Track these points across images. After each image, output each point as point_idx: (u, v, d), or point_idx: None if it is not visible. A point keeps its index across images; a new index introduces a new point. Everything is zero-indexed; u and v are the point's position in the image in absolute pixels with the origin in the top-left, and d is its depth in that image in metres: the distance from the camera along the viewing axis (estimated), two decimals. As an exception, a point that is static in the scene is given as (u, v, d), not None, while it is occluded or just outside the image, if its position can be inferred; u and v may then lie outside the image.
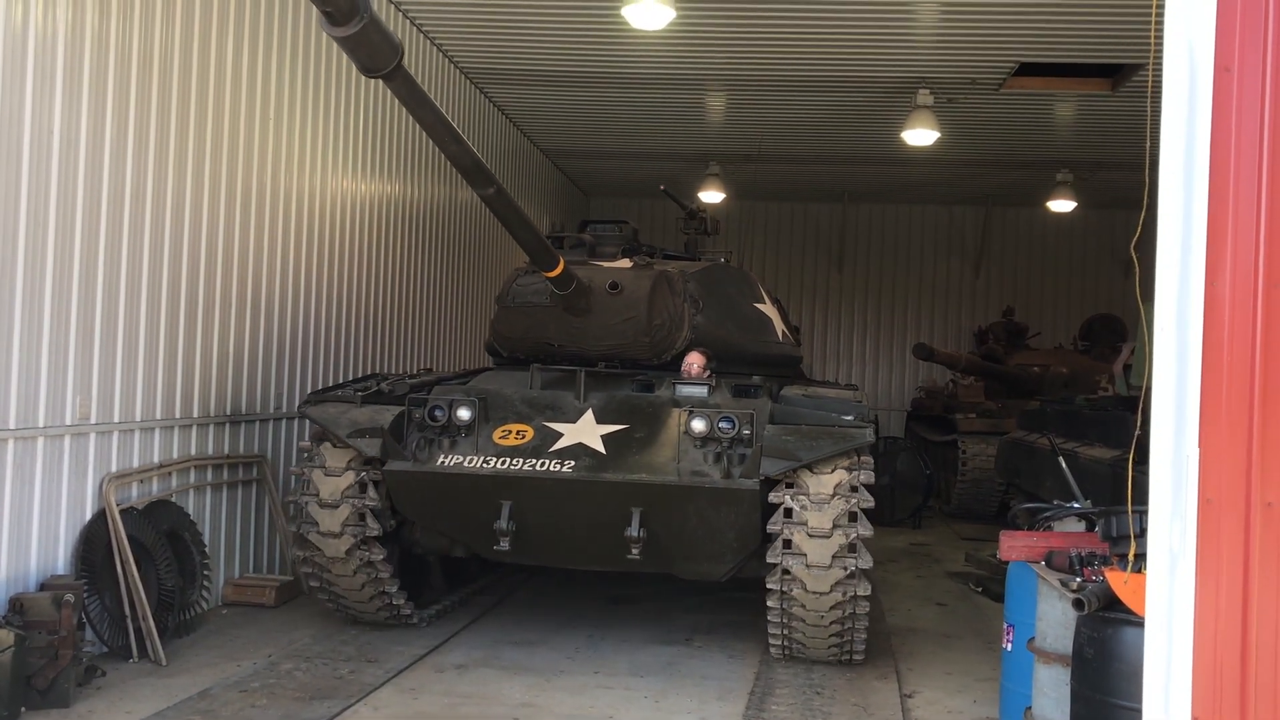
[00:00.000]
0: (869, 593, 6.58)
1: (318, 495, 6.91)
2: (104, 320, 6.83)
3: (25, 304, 6.15)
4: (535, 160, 16.59)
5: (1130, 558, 4.21)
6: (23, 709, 5.59)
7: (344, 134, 9.97)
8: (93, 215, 6.68)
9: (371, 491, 6.93)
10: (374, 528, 6.92)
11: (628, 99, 13.74)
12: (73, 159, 6.49)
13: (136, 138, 7.05)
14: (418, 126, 5.87)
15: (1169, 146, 3.42)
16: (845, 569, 6.43)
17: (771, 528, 6.52)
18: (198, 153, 7.73)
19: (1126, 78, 11.92)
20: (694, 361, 7.59)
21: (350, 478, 6.92)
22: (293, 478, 7.19)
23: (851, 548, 6.47)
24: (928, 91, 12.26)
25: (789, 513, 6.49)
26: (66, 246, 6.47)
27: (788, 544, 6.48)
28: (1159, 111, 3.47)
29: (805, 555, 6.42)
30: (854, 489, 6.53)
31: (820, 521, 6.42)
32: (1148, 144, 3.80)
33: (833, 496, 6.46)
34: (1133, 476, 4.08)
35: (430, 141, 6.02)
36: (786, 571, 6.48)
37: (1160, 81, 3.45)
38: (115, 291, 6.93)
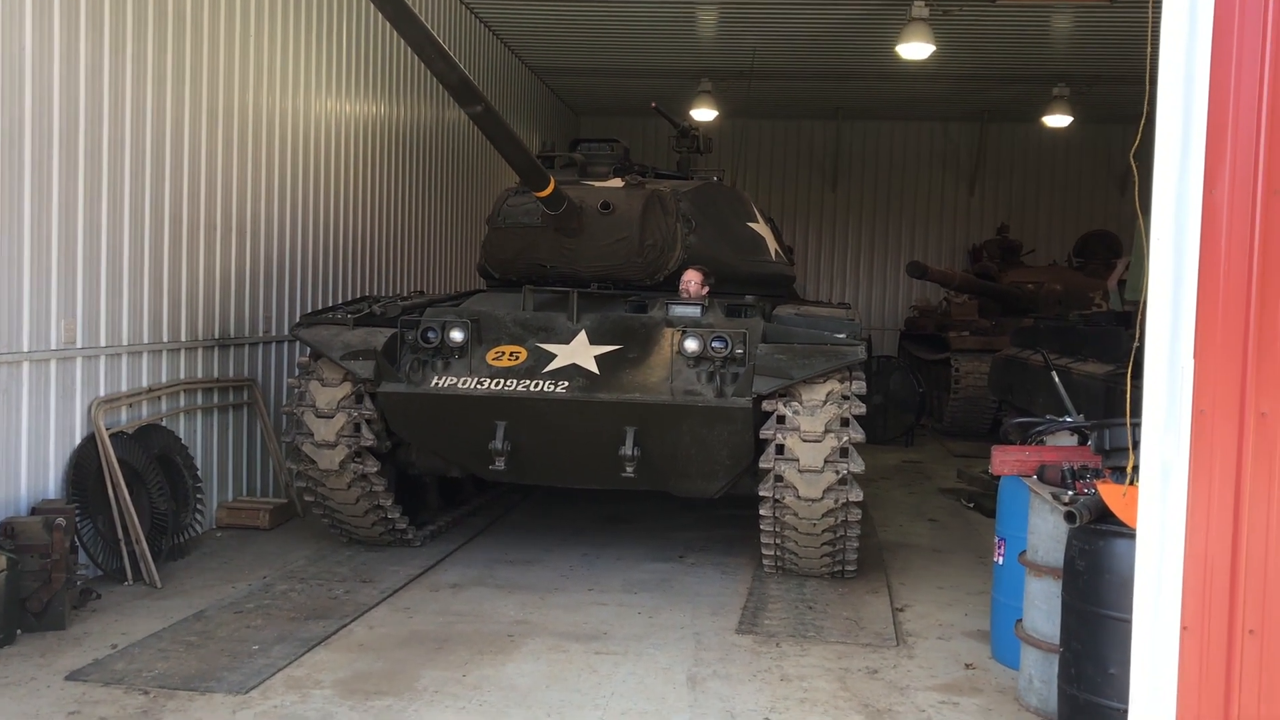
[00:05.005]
0: (861, 499, 6.61)
1: (314, 405, 6.92)
2: (86, 243, 6.73)
3: (4, 227, 6.05)
4: (524, 79, 16.32)
5: (1127, 470, 4.21)
6: (19, 631, 5.62)
7: (330, 52, 9.77)
8: (70, 135, 6.54)
9: (368, 402, 6.93)
10: (368, 438, 6.91)
11: (618, 13, 13.47)
12: (47, 77, 6.34)
13: (113, 55, 6.88)
14: (405, 44, 5.74)
15: (1169, 50, 3.34)
16: (838, 473, 6.46)
17: (764, 433, 6.55)
18: (178, 70, 7.57)
19: (1126, -13, 11.70)
20: (691, 279, 7.52)
21: (347, 388, 6.93)
22: (289, 390, 7.18)
23: (843, 452, 6.50)
24: (923, 3, 12.02)
25: (781, 419, 6.52)
26: (44, 168, 6.34)
27: (780, 450, 6.51)
28: (1159, 21, 3.38)
29: (798, 460, 6.45)
30: (845, 397, 6.56)
31: (812, 426, 6.45)
32: (1148, 50, 3.71)
33: (825, 402, 6.50)
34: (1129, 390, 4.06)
35: (418, 60, 5.89)
36: (779, 478, 6.51)
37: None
38: (97, 214, 6.82)
